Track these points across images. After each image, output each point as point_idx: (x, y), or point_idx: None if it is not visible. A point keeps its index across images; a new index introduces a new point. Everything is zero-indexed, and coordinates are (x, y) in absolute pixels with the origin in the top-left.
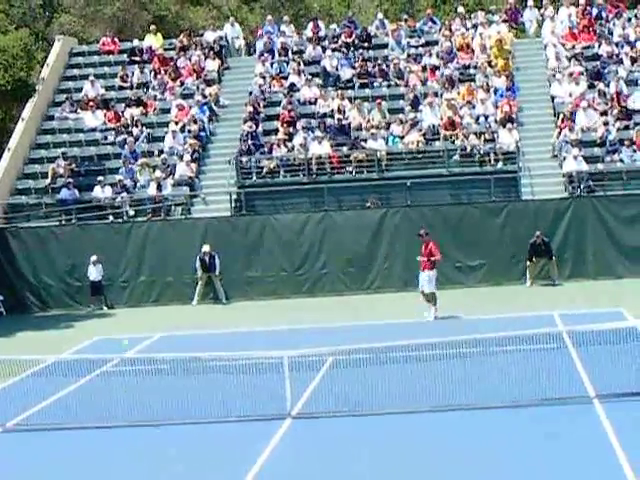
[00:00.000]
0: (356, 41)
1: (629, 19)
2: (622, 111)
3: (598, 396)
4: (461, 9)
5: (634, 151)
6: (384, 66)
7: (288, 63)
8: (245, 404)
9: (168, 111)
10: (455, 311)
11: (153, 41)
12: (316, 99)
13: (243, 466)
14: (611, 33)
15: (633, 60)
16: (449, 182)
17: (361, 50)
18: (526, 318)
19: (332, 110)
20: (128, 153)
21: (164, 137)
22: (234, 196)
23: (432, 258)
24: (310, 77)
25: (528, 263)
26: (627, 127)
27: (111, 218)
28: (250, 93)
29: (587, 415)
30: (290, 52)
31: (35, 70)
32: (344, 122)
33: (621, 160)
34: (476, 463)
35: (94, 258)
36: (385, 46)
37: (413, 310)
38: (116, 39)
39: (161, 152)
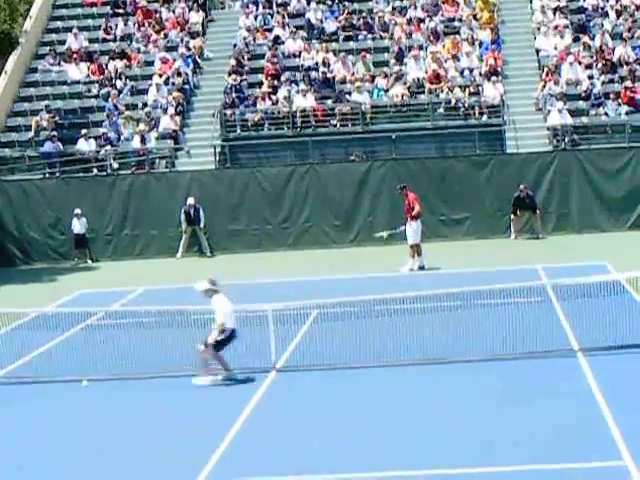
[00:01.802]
0: None
1: None
2: (607, 64)
3: (582, 349)
4: None
5: (619, 104)
6: (369, 19)
7: (272, 16)
8: (230, 357)
9: (152, 64)
10: (439, 264)
11: None
12: (300, 52)
13: (228, 418)
14: None
15: (618, 13)
16: (434, 135)
17: (346, 3)
18: (510, 271)
19: (317, 63)
20: (112, 106)
21: (148, 90)
22: (218, 149)
23: (412, 212)
24: (294, 30)
25: (512, 216)
26: (612, 80)
27: (95, 171)
28: (234, 46)
29: (571, 368)
30: (274, 4)
31: (18, 22)
32: (329, 75)
33: (606, 113)
34: (459, 415)
35: (78, 211)
36: None
37: (397, 263)
38: None
39: (145, 105)
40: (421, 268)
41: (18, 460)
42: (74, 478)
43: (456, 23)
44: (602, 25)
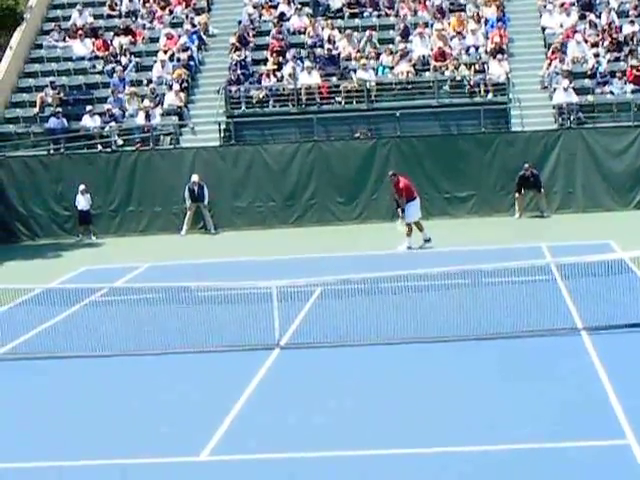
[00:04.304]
0: None
1: None
2: (613, 42)
3: (585, 328)
4: None
5: (625, 83)
6: None
7: None
8: (234, 334)
9: (157, 40)
10: (443, 242)
11: None
12: (306, 29)
13: (232, 395)
14: None
15: None
16: (439, 113)
17: None
18: (515, 250)
19: (322, 40)
20: (117, 82)
21: (153, 66)
22: (223, 126)
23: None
24: (300, 6)
25: (517, 195)
26: (618, 59)
27: (99, 147)
28: (239, 22)
29: (574, 346)
30: None
31: None
32: (334, 52)
33: (611, 92)
34: (461, 393)
35: (82, 187)
36: None
37: (401, 241)
38: None
39: (150, 81)
40: (427, 241)
41: (23, 434)
42: (81, 450)
43: (462, 0)
44: (608, 3)
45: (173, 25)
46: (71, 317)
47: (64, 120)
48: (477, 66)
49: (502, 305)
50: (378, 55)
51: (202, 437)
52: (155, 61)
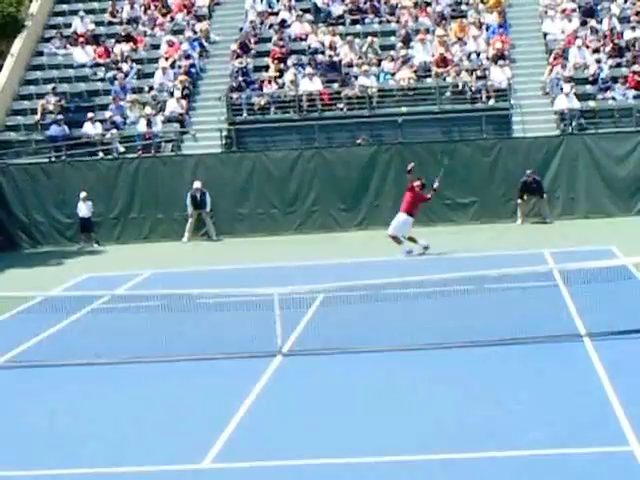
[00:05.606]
0: None
1: None
2: (614, 48)
3: (588, 334)
4: None
5: (626, 89)
6: (375, 2)
7: None
8: (235, 341)
9: (158, 47)
10: (446, 248)
11: None
12: (307, 35)
13: (234, 403)
14: None
15: None
16: (440, 119)
17: None
18: (517, 256)
19: (323, 46)
20: (118, 89)
21: (154, 73)
22: (224, 133)
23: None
24: (301, 13)
25: (519, 201)
26: (619, 64)
27: (101, 155)
28: (241, 29)
29: (577, 352)
30: None
31: (24, 5)
32: (335, 59)
33: (613, 98)
34: (463, 399)
35: (83, 195)
36: None
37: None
38: None
39: (151, 88)
40: (426, 248)
41: (23, 442)
42: (81, 458)
43: (463, 6)
44: (609, 9)
45: (174, 32)
46: (73, 325)
47: (65, 127)
48: (479, 72)
49: (504, 311)
50: (379, 61)
51: (204, 444)
52: (156, 68)
